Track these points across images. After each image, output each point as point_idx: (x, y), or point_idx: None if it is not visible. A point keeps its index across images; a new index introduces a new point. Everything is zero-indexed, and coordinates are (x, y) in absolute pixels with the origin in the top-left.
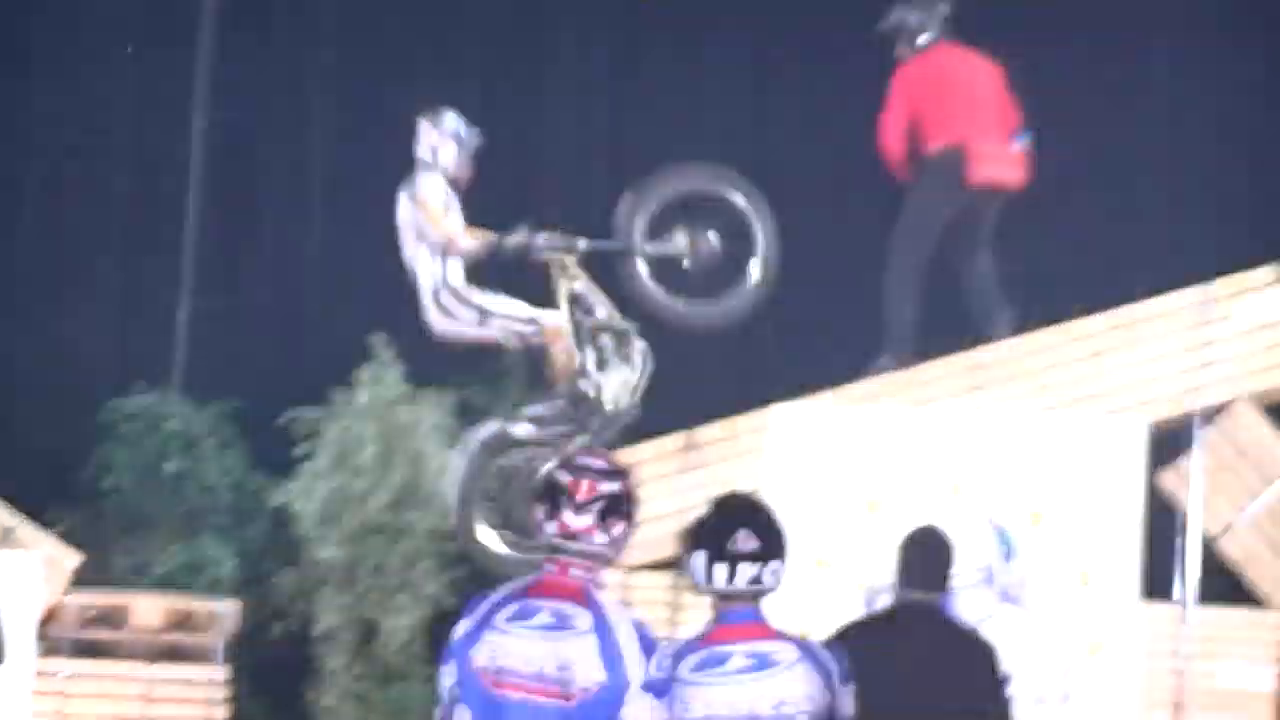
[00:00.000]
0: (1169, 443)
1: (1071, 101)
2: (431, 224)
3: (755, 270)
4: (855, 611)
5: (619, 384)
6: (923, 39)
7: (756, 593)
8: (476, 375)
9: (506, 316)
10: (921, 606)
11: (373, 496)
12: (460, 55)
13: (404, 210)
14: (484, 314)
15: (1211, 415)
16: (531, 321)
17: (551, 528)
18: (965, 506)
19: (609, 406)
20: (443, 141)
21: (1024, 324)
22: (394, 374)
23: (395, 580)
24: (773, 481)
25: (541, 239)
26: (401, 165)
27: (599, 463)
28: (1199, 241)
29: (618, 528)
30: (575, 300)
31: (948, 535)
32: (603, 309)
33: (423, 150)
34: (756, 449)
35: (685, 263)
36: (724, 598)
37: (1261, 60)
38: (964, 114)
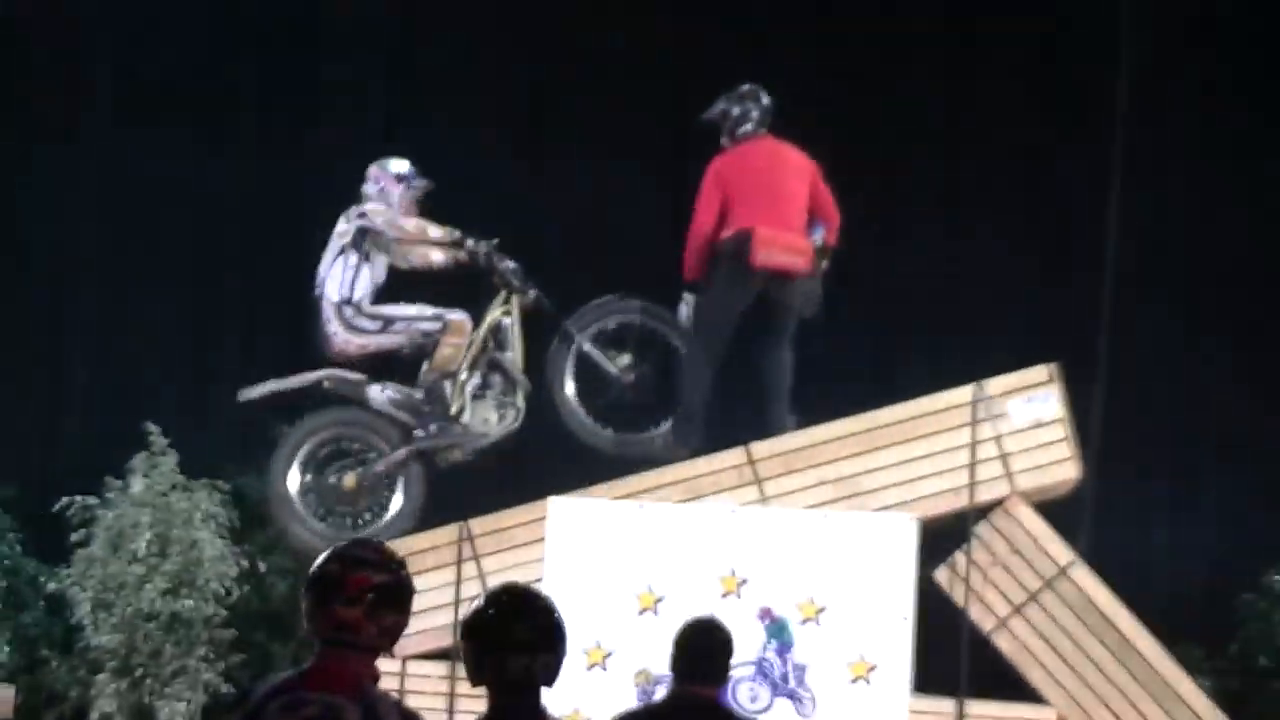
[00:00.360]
0: (943, 539)
1: (864, 199)
2: (395, 229)
3: (676, 417)
4: (631, 703)
5: (481, 419)
6: (742, 130)
7: (529, 685)
8: (250, 464)
9: (410, 318)
10: (698, 699)
11: (148, 584)
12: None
13: (341, 227)
14: (387, 322)
15: (985, 512)
16: (437, 318)
17: (321, 619)
18: (742, 599)
19: (462, 423)
20: (389, 183)
21: (804, 419)
22: (168, 462)
23: (171, 667)
24: (550, 574)
25: (505, 264)
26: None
27: (370, 554)
28: (977, 339)
29: (389, 619)
30: (495, 330)
31: (725, 628)
32: (512, 354)
33: (369, 191)
34: (534, 541)
35: (611, 376)
36: (499, 689)
37: (1043, 158)
38: (759, 202)
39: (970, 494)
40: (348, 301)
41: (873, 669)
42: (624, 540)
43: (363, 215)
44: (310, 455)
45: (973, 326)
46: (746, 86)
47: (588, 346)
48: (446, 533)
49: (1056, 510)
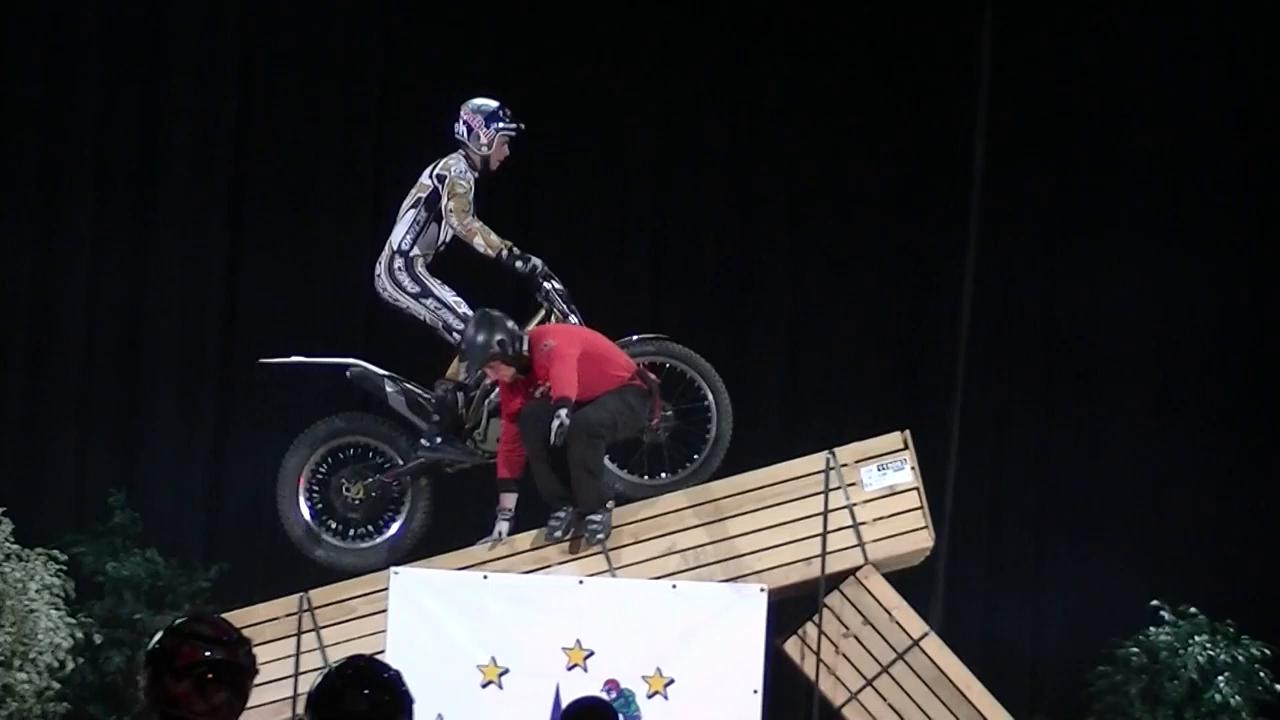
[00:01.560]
0: (794, 609)
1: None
2: (457, 215)
3: (704, 456)
4: None
5: (497, 434)
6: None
7: None
8: (85, 533)
9: (444, 303)
10: None
11: None
12: None
13: (425, 179)
14: (424, 293)
15: (837, 582)
16: (462, 318)
17: (155, 694)
18: (588, 672)
19: (474, 438)
20: (480, 125)
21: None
22: (2, 531)
23: None
24: (392, 645)
25: (552, 284)
26: None
27: (206, 629)
28: (830, 407)
29: (219, 695)
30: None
31: (613, 709)
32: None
33: (459, 130)
34: (376, 612)
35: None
36: None
37: (898, 225)
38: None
39: (822, 564)
40: (402, 252)
41: None
42: (467, 612)
43: (441, 180)
44: (321, 462)
45: (826, 394)
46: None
47: None
48: (285, 603)
49: (909, 580)
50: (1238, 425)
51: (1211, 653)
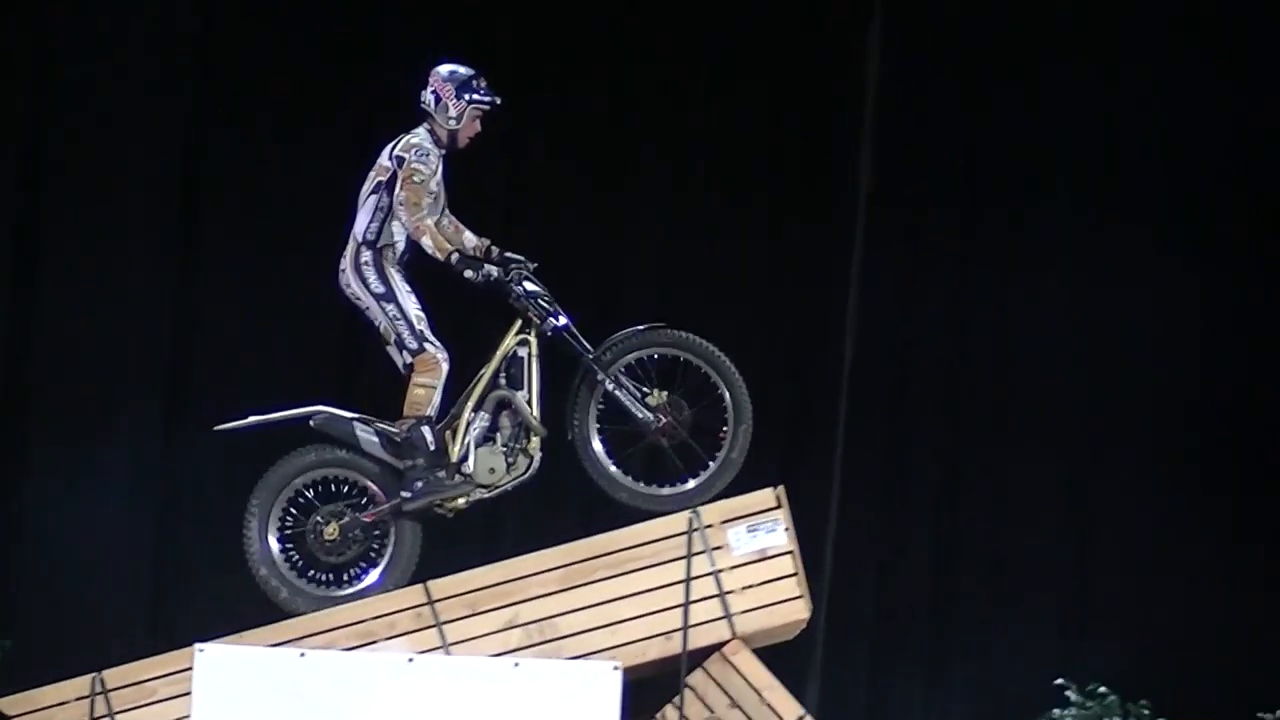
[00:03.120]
0: (652, 690)
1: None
2: (407, 209)
3: (717, 466)
4: None
5: (486, 468)
6: None
7: None
8: None
9: (404, 314)
10: None
11: None
12: None
13: (384, 160)
14: (389, 294)
15: (701, 659)
16: (418, 337)
17: None
18: None
19: (463, 472)
20: (450, 96)
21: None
22: None
23: None
24: None
25: (533, 288)
26: None
27: None
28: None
29: None
30: (509, 363)
31: None
32: (526, 393)
33: (426, 99)
34: (179, 695)
35: (641, 416)
36: None
37: (774, 265)
38: None
39: (684, 638)
40: (368, 243)
41: None
42: (282, 693)
43: (400, 163)
44: (294, 500)
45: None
46: None
47: (611, 386)
48: (76, 685)
49: (783, 657)
50: (1173, 479)
51: None
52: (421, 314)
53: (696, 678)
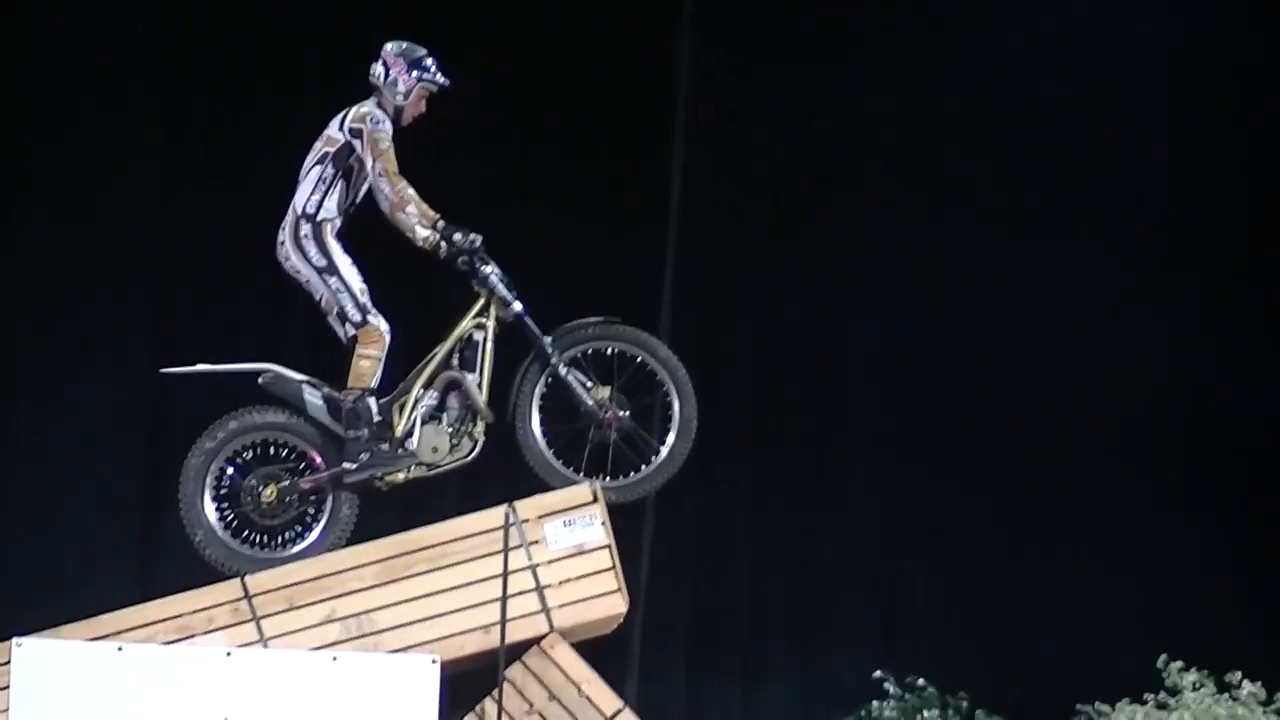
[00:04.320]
0: (471, 684)
1: None
2: (389, 179)
3: (662, 459)
4: None
5: (429, 446)
6: None
7: None
8: None
9: (346, 287)
10: None
11: None
12: None
13: (333, 131)
14: (330, 267)
15: (520, 652)
16: (361, 309)
17: None
18: None
19: (407, 448)
20: (401, 71)
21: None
22: None
23: None
24: None
25: (490, 269)
26: None
27: None
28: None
29: None
30: (464, 345)
31: None
32: (476, 377)
33: (376, 72)
34: None
35: (586, 409)
36: None
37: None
38: None
39: (501, 632)
40: (308, 216)
41: None
42: (101, 688)
43: (356, 134)
44: (231, 459)
45: (508, 438)
46: None
47: (564, 371)
48: None
49: (601, 650)
50: (983, 478)
51: None
52: (364, 286)
53: (515, 671)
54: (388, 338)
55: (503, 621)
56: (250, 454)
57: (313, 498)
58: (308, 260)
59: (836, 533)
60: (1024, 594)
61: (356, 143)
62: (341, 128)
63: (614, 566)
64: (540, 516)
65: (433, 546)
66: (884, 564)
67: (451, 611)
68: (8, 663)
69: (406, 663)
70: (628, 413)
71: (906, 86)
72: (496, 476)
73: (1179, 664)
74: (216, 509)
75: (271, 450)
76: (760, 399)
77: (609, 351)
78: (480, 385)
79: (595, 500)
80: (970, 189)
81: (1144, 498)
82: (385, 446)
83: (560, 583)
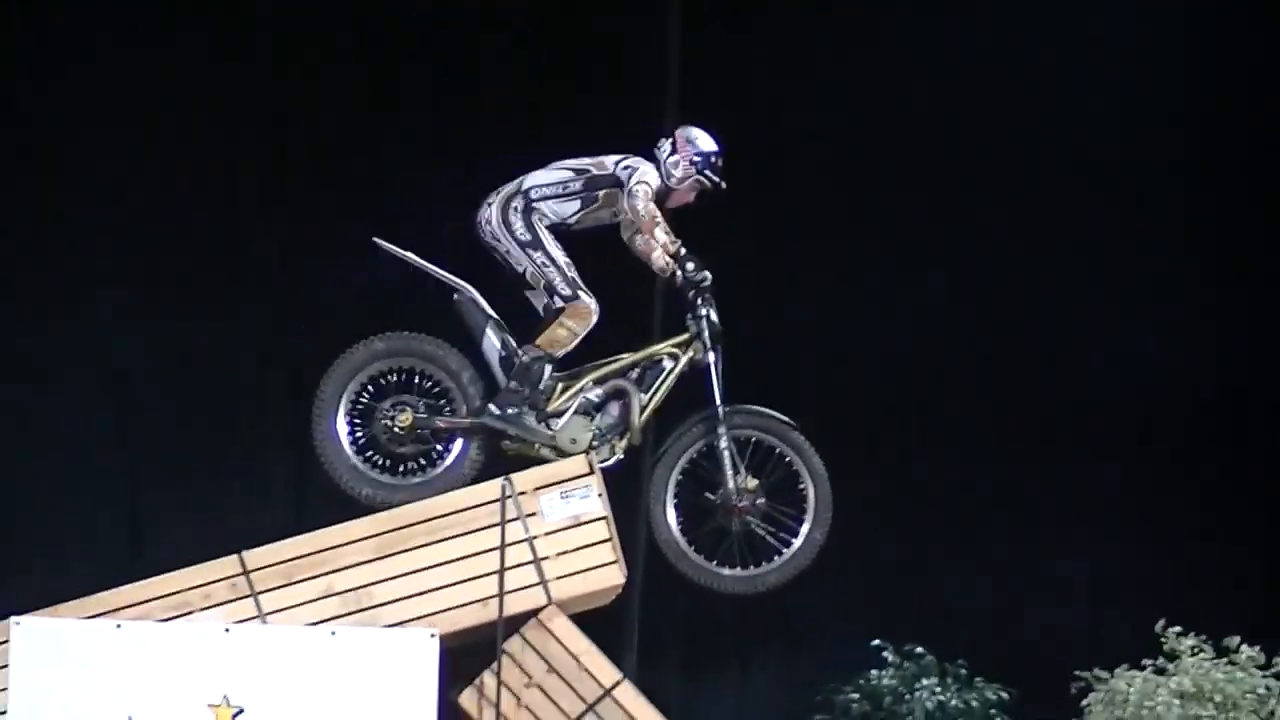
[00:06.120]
0: (470, 658)
1: None
2: (641, 200)
3: (801, 541)
4: None
5: (569, 437)
6: None
7: None
8: None
9: (553, 261)
10: None
11: None
12: None
13: (608, 159)
14: (535, 243)
15: (518, 625)
16: (571, 284)
17: None
18: None
19: (550, 427)
20: (685, 157)
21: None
22: None
23: None
24: (15, 707)
25: (704, 312)
26: None
27: None
28: None
29: None
30: (650, 364)
31: None
32: (644, 400)
33: (662, 147)
34: None
35: (730, 485)
36: None
37: None
38: None
39: (499, 604)
40: (525, 194)
41: None
42: (100, 666)
43: (626, 171)
44: (374, 379)
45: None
46: None
47: (723, 445)
48: None
49: (601, 622)
50: (979, 443)
51: (941, 697)
52: (570, 264)
53: (513, 644)
54: (594, 318)
55: (500, 594)
56: (395, 379)
57: (445, 436)
58: (511, 232)
59: (838, 497)
60: (1022, 561)
61: (623, 175)
62: (617, 164)
63: (611, 538)
64: (537, 489)
65: (430, 520)
66: (883, 531)
67: (449, 585)
68: (6, 641)
69: (405, 637)
70: (760, 512)
71: (909, 67)
72: (492, 454)
73: (1176, 629)
74: (349, 425)
75: (416, 380)
76: (753, 372)
77: (759, 443)
78: (644, 408)
79: (591, 472)
80: (976, 159)
81: (1141, 463)
82: (533, 415)
83: (557, 555)
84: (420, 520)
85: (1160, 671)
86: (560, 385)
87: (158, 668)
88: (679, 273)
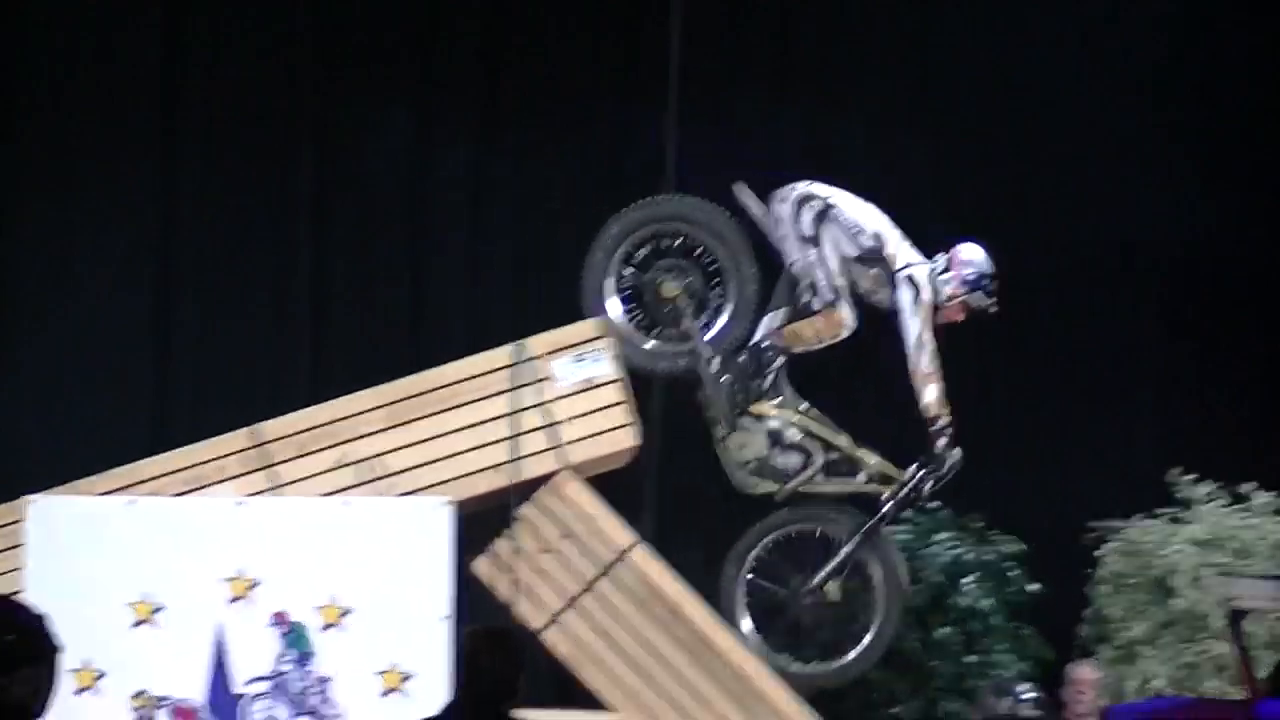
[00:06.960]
0: (484, 524)
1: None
2: (927, 354)
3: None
4: None
5: (745, 440)
6: None
7: (21, 705)
8: None
9: (824, 263)
10: None
11: None
12: None
13: (894, 247)
14: (813, 240)
15: (531, 490)
16: (835, 291)
17: None
18: (254, 604)
19: (740, 424)
20: (959, 275)
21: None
22: None
23: None
24: (33, 585)
25: (953, 455)
26: None
27: None
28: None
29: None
30: (851, 464)
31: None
32: (821, 477)
33: (938, 260)
34: (11, 547)
35: (816, 580)
36: None
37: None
38: None
39: (513, 471)
40: (827, 207)
41: (407, 678)
42: (114, 542)
43: (909, 280)
44: (642, 243)
45: (514, 279)
46: None
47: (843, 541)
48: None
49: (616, 485)
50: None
51: (957, 552)
52: (844, 281)
53: (528, 509)
54: (845, 332)
55: (514, 459)
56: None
57: (703, 305)
58: (798, 223)
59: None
60: (1036, 415)
61: (901, 279)
62: (903, 267)
63: (625, 400)
64: (549, 353)
65: (443, 387)
66: (897, 387)
67: (463, 451)
68: (20, 521)
69: (419, 505)
70: (829, 610)
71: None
72: (505, 318)
73: (1191, 477)
74: (624, 310)
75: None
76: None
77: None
78: (805, 482)
79: (604, 336)
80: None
81: (1153, 312)
82: (738, 388)
83: (570, 418)
84: (433, 388)
85: (1175, 520)
86: (782, 396)
87: (172, 542)
88: (938, 420)
